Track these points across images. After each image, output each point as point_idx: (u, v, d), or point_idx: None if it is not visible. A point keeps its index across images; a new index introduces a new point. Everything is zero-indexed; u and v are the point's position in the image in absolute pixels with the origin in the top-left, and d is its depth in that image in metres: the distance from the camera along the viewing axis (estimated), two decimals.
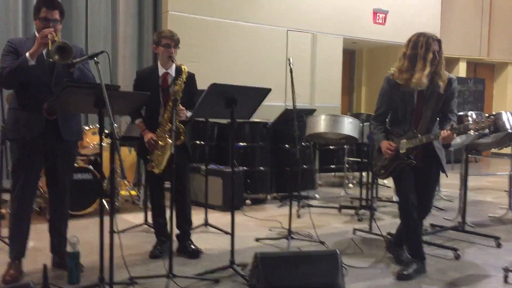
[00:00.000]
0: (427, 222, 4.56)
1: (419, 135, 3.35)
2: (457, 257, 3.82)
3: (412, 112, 3.42)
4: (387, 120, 3.63)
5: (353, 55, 10.48)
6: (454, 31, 11.02)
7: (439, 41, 3.32)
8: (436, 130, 3.43)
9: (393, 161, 3.47)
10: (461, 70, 11.47)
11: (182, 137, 3.57)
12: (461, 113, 4.26)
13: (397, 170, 3.48)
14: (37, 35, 3.17)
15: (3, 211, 4.14)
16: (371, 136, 3.73)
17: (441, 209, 5.75)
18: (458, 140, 4.49)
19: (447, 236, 4.47)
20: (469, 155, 4.79)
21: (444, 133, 3.18)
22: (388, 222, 5.01)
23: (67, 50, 2.94)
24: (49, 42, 2.99)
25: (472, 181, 5.93)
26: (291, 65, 4.16)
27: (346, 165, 6.70)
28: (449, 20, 10.80)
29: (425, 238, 4.12)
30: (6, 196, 3.33)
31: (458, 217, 4.93)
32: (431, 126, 3.45)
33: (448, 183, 7.33)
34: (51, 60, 3.10)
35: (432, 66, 3.29)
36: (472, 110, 4.39)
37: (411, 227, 3.48)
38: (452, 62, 11.56)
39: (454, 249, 3.87)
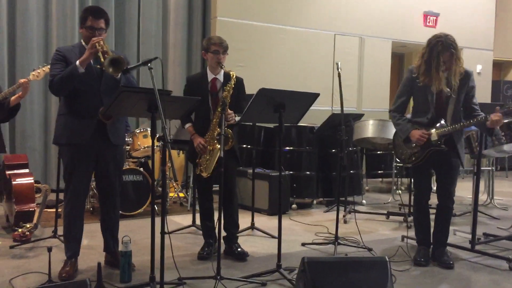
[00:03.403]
0: (480, 231, 4.42)
1: (449, 124, 3.59)
2: None
3: (433, 101, 3.64)
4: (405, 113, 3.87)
5: (402, 59, 10.27)
6: (509, 33, 10.59)
7: (454, 50, 3.51)
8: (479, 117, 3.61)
9: (424, 148, 3.67)
10: None
11: (230, 142, 3.63)
12: None
13: (428, 157, 3.68)
14: (83, 43, 3.30)
15: (60, 210, 4.33)
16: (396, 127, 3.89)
17: (495, 218, 5.54)
18: None
19: (501, 246, 4.30)
20: None
21: (495, 116, 3.42)
22: None
23: (120, 62, 3.05)
24: (99, 51, 3.10)
25: None
26: (339, 70, 4.14)
27: (394, 170, 6.57)
28: (504, 22, 10.40)
29: (478, 247, 4.00)
30: (63, 196, 3.47)
31: None
32: (458, 116, 3.66)
33: (503, 191, 7.09)
34: (99, 66, 3.22)
35: (446, 72, 3.55)
36: None
37: (424, 218, 3.84)
38: (507, 66, 11.12)
39: (509, 260, 3.73)
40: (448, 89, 3.58)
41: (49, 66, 3.85)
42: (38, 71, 3.96)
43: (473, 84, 3.69)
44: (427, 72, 3.57)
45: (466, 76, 3.63)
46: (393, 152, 4.06)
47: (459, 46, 3.58)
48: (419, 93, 3.69)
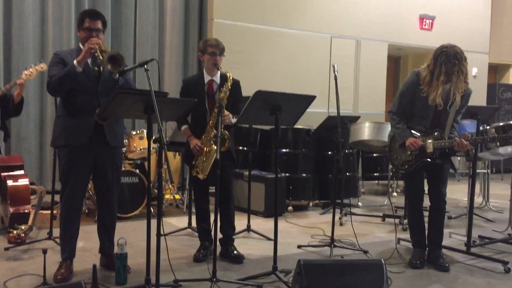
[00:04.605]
0: (475, 234, 4.43)
1: (446, 138, 3.62)
2: (507, 270, 3.68)
3: (432, 110, 3.65)
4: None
5: (398, 62, 10.31)
6: (504, 36, 10.65)
7: (457, 61, 3.47)
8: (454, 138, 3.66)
9: (418, 158, 3.70)
10: None
11: (227, 143, 3.63)
12: (511, 122, 4.14)
13: (420, 167, 3.70)
14: (81, 46, 3.31)
15: (55, 212, 4.31)
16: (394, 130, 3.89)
17: (491, 221, 5.56)
18: (509, 149, 4.35)
19: (497, 248, 4.32)
20: None
21: (463, 142, 3.51)
22: None
23: (119, 59, 3.05)
24: (97, 50, 3.12)
25: None
26: (335, 72, 4.15)
27: (390, 173, 6.58)
28: (499, 25, 10.45)
29: (473, 250, 4.01)
30: (58, 197, 3.46)
31: (509, 229, 4.76)
32: (453, 128, 3.73)
33: (498, 193, 7.10)
34: (96, 68, 3.26)
35: (447, 84, 3.53)
36: None
37: (418, 220, 3.85)
38: (502, 69, 11.17)
39: (504, 262, 3.74)
40: (442, 103, 3.57)
41: (42, 65, 3.88)
42: (31, 70, 3.96)
43: (467, 103, 3.72)
44: (431, 81, 3.56)
45: (466, 94, 3.65)
46: (388, 155, 4.06)
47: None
48: (420, 99, 3.67)
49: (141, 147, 5.31)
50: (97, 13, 3.35)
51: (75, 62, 3.13)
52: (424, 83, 3.60)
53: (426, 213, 3.90)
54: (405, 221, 5.09)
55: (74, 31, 6.32)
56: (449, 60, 3.47)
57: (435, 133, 3.66)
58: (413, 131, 3.74)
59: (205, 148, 3.67)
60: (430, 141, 3.63)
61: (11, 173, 4.49)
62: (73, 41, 6.37)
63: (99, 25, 3.30)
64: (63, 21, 6.43)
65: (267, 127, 5.95)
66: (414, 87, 3.69)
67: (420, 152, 3.66)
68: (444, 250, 3.91)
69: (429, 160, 3.65)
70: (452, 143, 3.57)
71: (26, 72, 3.96)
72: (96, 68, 3.28)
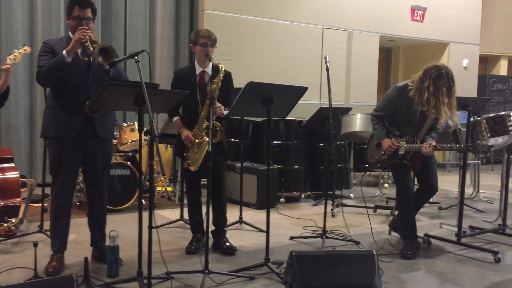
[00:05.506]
0: (465, 224, 4.47)
1: (418, 142, 3.79)
2: (497, 260, 3.72)
3: (415, 121, 3.83)
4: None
5: (389, 53, 10.31)
6: (495, 28, 10.69)
7: (453, 84, 3.58)
8: (428, 139, 3.85)
9: (390, 159, 3.89)
10: (502, 68, 11.13)
11: (218, 135, 3.62)
12: (502, 113, 4.15)
13: (392, 167, 3.90)
14: (70, 35, 3.26)
15: (46, 205, 4.28)
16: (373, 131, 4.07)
17: (481, 211, 5.60)
18: (500, 140, 4.38)
19: (487, 238, 4.36)
20: (511, 156, 4.65)
21: (427, 148, 3.65)
22: (426, 223, 4.93)
23: (110, 52, 3.01)
24: (88, 41, 3.07)
25: None
26: (327, 64, 4.14)
27: None
28: (490, 17, 10.49)
29: (463, 240, 4.04)
30: (49, 190, 3.43)
31: (499, 219, 4.80)
32: (434, 131, 3.94)
33: (488, 184, 7.17)
34: (86, 59, 3.21)
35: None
36: None
37: (409, 211, 3.90)
38: (492, 60, 11.23)
39: (494, 252, 3.77)
40: (443, 125, 3.82)
41: (25, 47, 3.82)
42: (15, 54, 3.88)
43: None
44: (434, 105, 3.57)
45: None
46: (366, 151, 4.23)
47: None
48: (405, 110, 3.80)
49: (132, 139, 5.28)
50: (87, 1, 3.27)
51: (64, 52, 3.08)
52: (427, 106, 3.60)
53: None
54: (396, 212, 5.11)
55: (64, 20, 6.26)
56: (447, 82, 3.55)
57: (408, 137, 3.83)
58: (389, 133, 3.90)
59: (196, 140, 3.65)
60: (403, 143, 3.81)
61: (0, 165, 4.44)
62: (63, 31, 6.30)
63: (88, 13, 3.25)
64: (52, 12, 6.36)
65: (259, 119, 5.95)
66: (398, 102, 3.83)
67: (393, 153, 3.83)
68: (434, 241, 3.94)
69: (401, 161, 3.82)
70: (421, 147, 3.72)
71: (10, 56, 3.89)
72: (86, 59, 3.24)
